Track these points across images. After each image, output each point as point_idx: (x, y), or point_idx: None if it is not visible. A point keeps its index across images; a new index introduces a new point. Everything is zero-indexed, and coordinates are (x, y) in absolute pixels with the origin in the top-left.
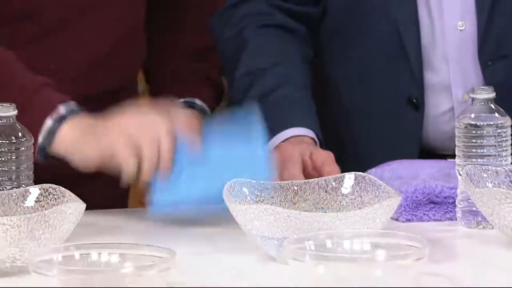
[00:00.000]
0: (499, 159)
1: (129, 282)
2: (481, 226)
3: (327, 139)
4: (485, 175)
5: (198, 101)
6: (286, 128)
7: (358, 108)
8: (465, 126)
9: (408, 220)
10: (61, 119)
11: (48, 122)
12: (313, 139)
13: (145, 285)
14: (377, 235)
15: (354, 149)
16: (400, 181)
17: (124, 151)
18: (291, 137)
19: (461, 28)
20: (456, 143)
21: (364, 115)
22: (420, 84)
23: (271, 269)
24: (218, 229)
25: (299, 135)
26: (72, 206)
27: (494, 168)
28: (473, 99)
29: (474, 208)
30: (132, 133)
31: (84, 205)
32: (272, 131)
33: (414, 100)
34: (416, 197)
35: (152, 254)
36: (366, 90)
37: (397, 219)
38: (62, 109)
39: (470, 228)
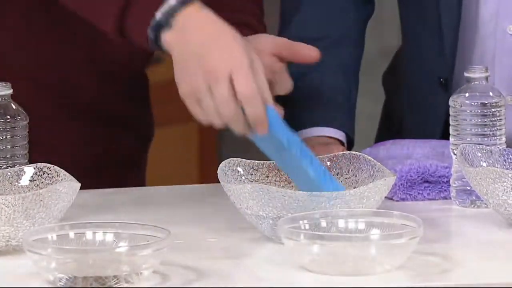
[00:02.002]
0: (493, 138)
1: (123, 262)
2: (476, 205)
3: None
4: (479, 154)
5: None
6: (313, 126)
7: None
8: (459, 105)
9: (403, 200)
10: (185, 2)
11: (171, 1)
12: (340, 141)
13: (139, 264)
14: (372, 214)
15: (390, 119)
16: (394, 160)
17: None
18: (317, 136)
19: (511, 33)
20: (451, 122)
21: (401, 85)
22: (451, 67)
23: (266, 248)
24: (213, 209)
25: (325, 136)
26: (66, 185)
27: (488, 147)
28: (467, 78)
29: (468, 187)
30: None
31: (78, 185)
32: (300, 121)
33: (442, 80)
34: (411, 176)
35: (146, 234)
36: (409, 60)
37: (391, 198)
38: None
39: (464, 207)
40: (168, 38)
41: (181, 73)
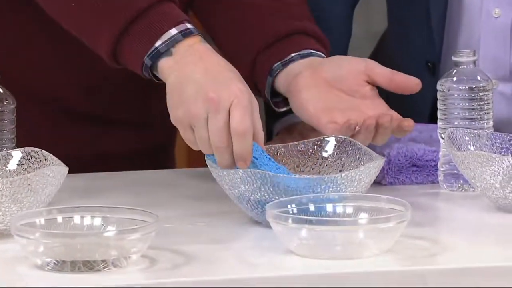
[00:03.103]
0: (481, 122)
1: (111, 246)
2: (463, 189)
3: None
4: (467, 138)
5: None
6: None
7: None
8: (447, 89)
9: (391, 184)
10: (186, 34)
11: (173, 31)
12: None
13: (127, 248)
14: (360, 198)
15: None
16: (382, 144)
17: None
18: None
19: (496, 16)
20: (438, 106)
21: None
22: (438, 50)
23: (255, 232)
24: (202, 193)
25: None
26: (54, 170)
27: (476, 131)
28: (455, 62)
29: (456, 171)
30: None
31: (66, 169)
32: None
33: (429, 64)
34: (399, 160)
35: (135, 218)
36: (395, 44)
37: (379, 183)
38: (188, 25)
39: (452, 191)
40: (166, 64)
41: (177, 99)
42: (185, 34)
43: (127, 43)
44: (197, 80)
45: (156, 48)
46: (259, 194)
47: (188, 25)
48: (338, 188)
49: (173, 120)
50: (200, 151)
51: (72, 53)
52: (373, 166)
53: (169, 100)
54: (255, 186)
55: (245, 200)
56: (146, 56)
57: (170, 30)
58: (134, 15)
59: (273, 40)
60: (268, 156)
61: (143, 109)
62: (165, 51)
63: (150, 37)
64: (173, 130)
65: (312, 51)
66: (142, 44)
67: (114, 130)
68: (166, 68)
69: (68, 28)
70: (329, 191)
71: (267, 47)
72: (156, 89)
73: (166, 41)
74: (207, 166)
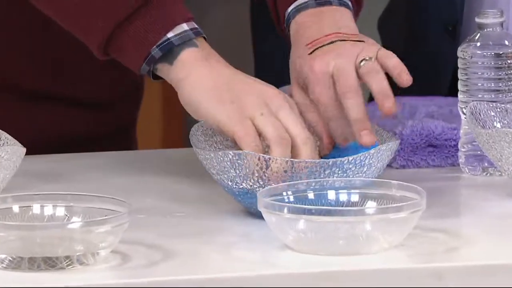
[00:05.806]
0: (509, 95)
1: (77, 240)
2: (488, 173)
3: None
4: (492, 113)
5: None
6: None
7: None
8: (469, 56)
9: (403, 167)
10: (196, 33)
11: (184, 26)
12: None
13: (95, 243)
14: (367, 184)
15: None
16: (394, 121)
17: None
18: None
19: None
20: (459, 75)
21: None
22: (460, 11)
23: (244, 224)
24: (181, 177)
25: None
26: (9, 150)
27: (503, 105)
28: (479, 24)
29: (479, 152)
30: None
31: (24, 150)
32: None
33: (449, 27)
34: (413, 139)
35: (104, 207)
36: (410, 4)
37: (390, 165)
38: (195, 24)
39: (475, 175)
40: (191, 56)
41: (226, 94)
42: (196, 33)
43: (131, 30)
44: (245, 79)
45: (169, 39)
46: (252, 180)
47: (195, 24)
48: (345, 174)
49: (220, 117)
50: (179, 131)
51: (33, 31)
52: (386, 149)
53: (210, 96)
54: (247, 170)
55: (235, 188)
56: (155, 46)
57: (182, 24)
58: (141, 3)
59: None
60: None
61: (105, 89)
62: (186, 42)
63: (162, 27)
64: (135, 111)
65: None
66: (151, 33)
67: (75, 111)
68: (193, 59)
69: (57, 20)
70: (334, 177)
71: None
72: (120, 69)
73: (179, 34)
74: (185, 146)
